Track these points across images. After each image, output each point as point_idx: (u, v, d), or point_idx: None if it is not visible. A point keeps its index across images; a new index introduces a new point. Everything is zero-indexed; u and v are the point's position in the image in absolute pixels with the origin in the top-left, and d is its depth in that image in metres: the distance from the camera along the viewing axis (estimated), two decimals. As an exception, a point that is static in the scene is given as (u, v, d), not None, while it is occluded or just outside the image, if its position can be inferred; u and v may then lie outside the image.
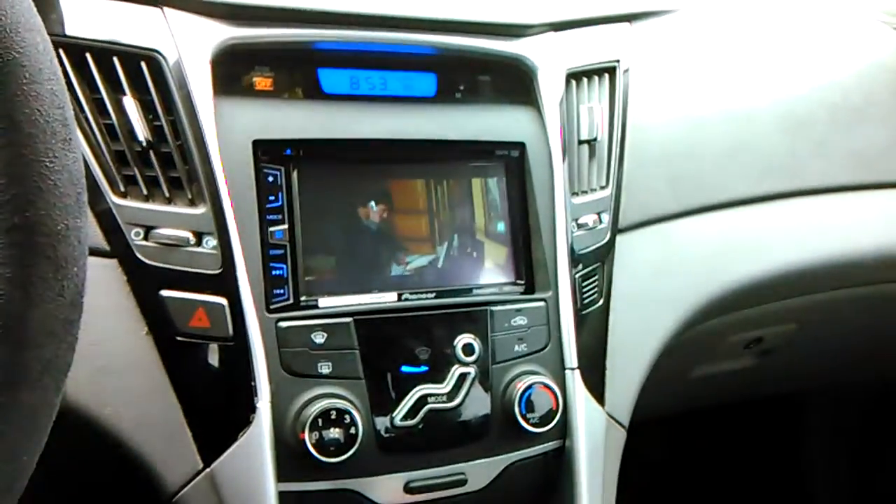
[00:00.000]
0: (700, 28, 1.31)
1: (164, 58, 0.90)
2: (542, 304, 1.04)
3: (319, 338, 0.92)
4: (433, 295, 1.01)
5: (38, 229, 0.50)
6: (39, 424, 0.53)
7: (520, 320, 1.02)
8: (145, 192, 0.88)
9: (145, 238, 0.87)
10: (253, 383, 0.89)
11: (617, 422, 1.09)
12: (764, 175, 1.26)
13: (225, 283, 0.89)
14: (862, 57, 1.37)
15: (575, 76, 1.12)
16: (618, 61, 1.16)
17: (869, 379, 1.84)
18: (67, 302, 0.52)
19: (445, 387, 0.96)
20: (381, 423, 0.94)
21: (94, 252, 0.86)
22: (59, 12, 0.88)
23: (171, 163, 0.90)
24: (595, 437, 1.04)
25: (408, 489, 0.95)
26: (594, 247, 1.09)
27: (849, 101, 1.33)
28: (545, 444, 1.02)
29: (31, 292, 0.49)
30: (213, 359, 0.89)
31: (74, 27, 0.88)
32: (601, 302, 1.09)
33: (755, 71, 1.30)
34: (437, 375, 0.97)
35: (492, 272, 1.05)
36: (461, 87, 1.08)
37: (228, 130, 0.92)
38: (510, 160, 1.07)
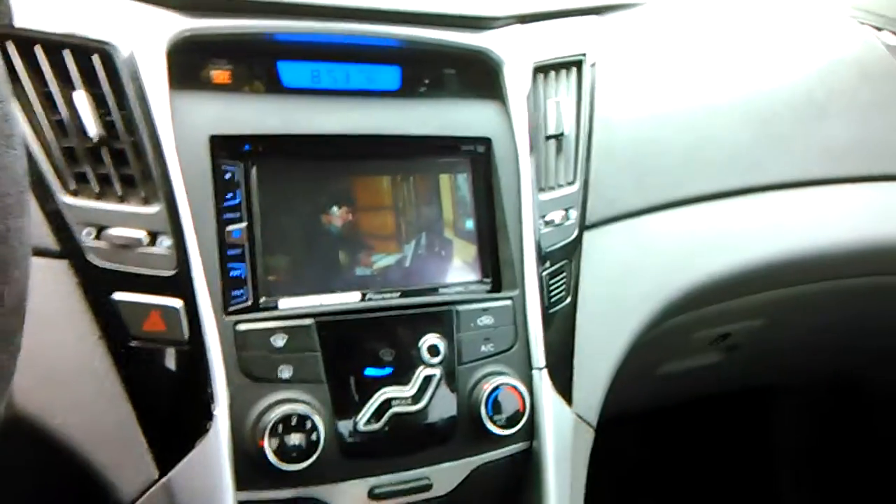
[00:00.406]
0: (667, 22, 1.30)
1: (116, 50, 0.86)
2: (508, 302, 1.02)
3: (280, 340, 0.90)
4: (397, 295, 0.98)
5: None
6: None
7: (486, 320, 1.00)
8: (97, 190, 0.85)
9: (97, 238, 0.84)
10: (210, 389, 0.86)
11: (585, 421, 1.07)
12: (729, 170, 1.25)
13: (180, 284, 0.86)
14: (827, 51, 1.37)
15: (542, 69, 1.10)
16: (585, 55, 1.14)
17: (837, 371, 1.85)
18: (8, 309, 0.49)
19: (410, 389, 0.94)
20: (344, 427, 0.91)
21: (43, 253, 0.83)
22: (7, 4, 0.84)
23: (124, 160, 0.86)
24: (563, 437, 1.03)
25: (372, 495, 0.93)
26: (561, 244, 1.07)
27: (813, 96, 1.33)
28: (512, 446, 1.01)
29: None
30: (169, 364, 0.86)
31: (23, 19, 0.84)
32: (568, 300, 1.07)
33: (720, 66, 1.29)
34: (401, 377, 0.95)
35: (459, 271, 1.03)
36: (426, 81, 1.06)
37: (184, 125, 0.89)
38: (476, 156, 1.05)
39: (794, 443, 2.06)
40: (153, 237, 0.85)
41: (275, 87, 0.98)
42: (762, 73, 1.31)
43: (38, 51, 0.84)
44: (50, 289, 0.82)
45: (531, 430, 1.01)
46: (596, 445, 1.09)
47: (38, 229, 0.82)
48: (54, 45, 0.85)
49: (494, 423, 0.96)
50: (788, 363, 1.70)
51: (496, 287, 1.04)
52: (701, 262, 1.20)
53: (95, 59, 0.86)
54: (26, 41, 0.84)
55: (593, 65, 1.15)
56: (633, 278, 1.14)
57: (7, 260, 0.49)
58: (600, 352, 1.10)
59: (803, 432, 2.05)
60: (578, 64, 1.14)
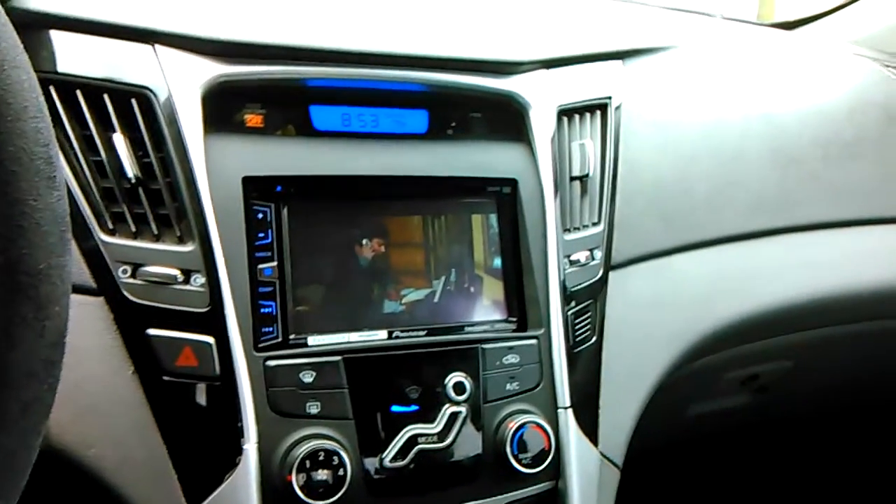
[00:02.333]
0: (691, 65, 1.31)
1: (154, 95, 0.90)
2: (534, 341, 1.03)
3: (308, 377, 0.91)
4: (424, 332, 1.00)
5: (19, 268, 0.49)
6: (18, 468, 0.52)
7: (512, 358, 1.01)
8: (133, 229, 0.88)
9: (133, 276, 0.86)
10: (240, 424, 0.87)
11: (611, 461, 1.07)
12: (756, 211, 1.26)
13: (213, 321, 0.88)
14: (853, 94, 1.38)
15: (566, 113, 1.12)
16: (609, 98, 1.16)
17: (864, 411, 1.82)
18: (49, 342, 0.51)
19: (436, 426, 0.95)
20: (371, 464, 0.92)
21: (81, 290, 0.85)
22: (51, 49, 0.88)
23: (159, 200, 0.89)
24: (588, 477, 1.03)
25: None
26: (587, 283, 1.08)
27: (840, 138, 1.34)
28: (538, 486, 1.01)
29: (12, 332, 0.49)
30: (200, 399, 0.87)
31: (65, 64, 0.88)
32: (594, 339, 1.08)
33: (746, 107, 1.30)
34: (427, 415, 0.95)
35: (485, 308, 1.04)
36: (453, 124, 1.08)
37: (218, 167, 0.92)
38: (502, 196, 1.07)
39: (823, 479, 2.02)
40: (187, 275, 0.88)
41: (306, 130, 1.00)
42: (789, 113, 1.32)
43: (79, 95, 0.88)
44: (86, 324, 0.85)
45: (557, 470, 1.01)
46: (622, 481, 1.09)
47: (76, 267, 0.84)
48: (94, 90, 0.88)
49: (520, 461, 0.97)
50: (819, 404, 1.68)
51: (522, 326, 1.05)
52: (727, 303, 1.20)
53: (134, 103, 0.89)
54: (68, 85, 0.88)
55: (618, 107, 1.17)
56: (658, 318, 1.15)
57: (49, 296, 0.51)
58: (626, 392, 1.10)
59: (831, 469, 2.02)
60: (603, 107, 1.16)
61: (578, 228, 1.10)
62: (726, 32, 1.47)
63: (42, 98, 0.52)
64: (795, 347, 1.37)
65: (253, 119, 0.98)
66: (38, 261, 0.50)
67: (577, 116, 1.13)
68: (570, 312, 1.05)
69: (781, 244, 1.27)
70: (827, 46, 1.50)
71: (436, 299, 1.02)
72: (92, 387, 0.84)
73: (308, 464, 0.87)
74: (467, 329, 1.02)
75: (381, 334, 0.98)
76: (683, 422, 1.45)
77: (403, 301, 1.00)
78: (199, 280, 0.88)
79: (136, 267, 0.87)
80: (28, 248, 0.49)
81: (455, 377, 0.97)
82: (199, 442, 0.88)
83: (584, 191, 1.11)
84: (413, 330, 0.99)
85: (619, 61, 1.22)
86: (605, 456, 1.06)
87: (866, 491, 1.98)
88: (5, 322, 0.48)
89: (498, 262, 1.06)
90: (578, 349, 1.06)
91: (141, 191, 0.88)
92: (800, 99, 1.35)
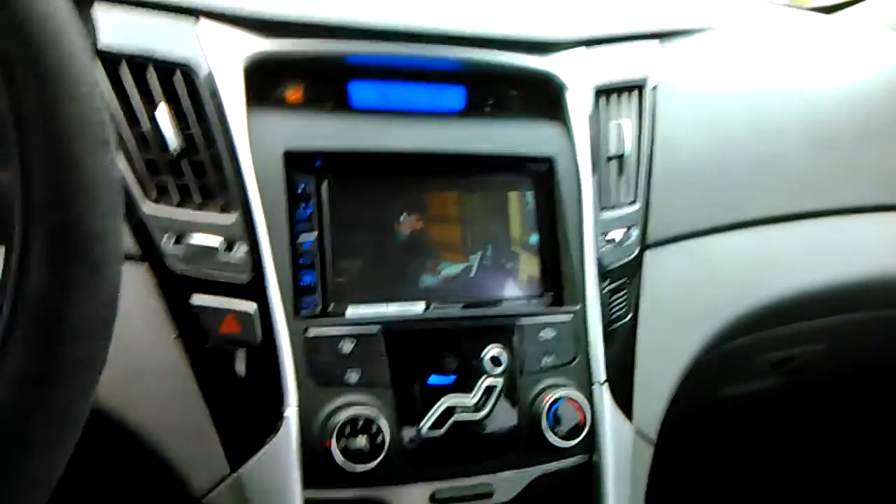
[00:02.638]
0: (729, 47, 1.31)
1: (197, 69, 0.91)
2: (570, 317, 1.03)
3: (347, 346, 0.93)
4: (461, 306, 1.01)
5: (76, 230, 0.50)
6: (73, 422, 0.54)
7: (548, 333, 1.02)
8: (177, 199, 0.89)
9: (176, 244, 0.88)
10: (281, 390, 0.89)
11: (645, 437, 1.08)
12: (794, 193, 1.25)
13: (255, 290, 0.89)
14: (891, 76, 1.37)
15: (604, 92, 1.12)
16: (647, 78, 1.16)
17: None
18: (103, 301, 0.53)
19: (473, 398, 0.96)
20: (408, 432, 0.93)
21: (126, 257, 0.86)
22: (94, 23, 0.89)
23: (202, 171, 0.91)
24: (623, 451, 1.03)
25: (434, 500, 0.95)
26: (623, 261, 1.08)
27: (879, 120, 1.33)
28: (572, 459, 1.02)
29: (68, 293, 0.50)
30: (242, 365, 0.89)
31: (109, 38, 0.89)
32: (629, 317, 1.08)
33: (784, 89, 1.29)
34: (464, 386, 0.96)
35: (521, 284, 1.05)
36: (490, 102, 1.09)
37: (260, 141, 0.93)
38: (539, 174, 1.07)
39: (851, 470, 2.00)
40: (230, 244, 0.89)
41: (345, 106, 1.01)
42: (827, 95, 1.31)
43: (123, 68, 0.89)
44: (131, 290, 0.86)
45: (591, 444, 1.02)
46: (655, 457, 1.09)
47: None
48: (138, 64, 0.90)
49: (555, 434, 0.97)
50: (850, 389, 1.67)
51: (557, 302, 1.06)
52: (763, 284, 1.20)
53: (177, 77, 0.91)
54: (111, 59, 0.89)
55: (655, 87, 1.17)
56: (693, 298, 1.15)
57: (103, 258, 0.52)
58: (661, 369, 1.10)
59: (859, 458, 2.00)
60: (640, 87, 1.16)
61: (615, 207, 1.10)
62: (764, 14, 1.46)
63: (94, 65, 0.54)
64: (829, 331, 1.36)
65: (293, 94, 1.00)
66: (94, 222, 0.51)
67: (614, 96, 1.13)
68: (605, 290, 1.05)
69: (818, 227, 1.26)
70: (865, 29, 1.49)
71: (472, 274, 1.03)
72: (137, 351, 0.86)
73: (347, 430, 0.88)
74: (504, 303, 1.03)
75: (419, 306, 0.99)
76: (715, 403, 1.44)
77: (440, 275, 1.01)
78: (241, 249, 0.89)
79: (179, 236, 0.88)
80: (84, 210, 0.51)
81: (492, 350, 0.98)
82: (241, 407, 0.89)
83: (620, 170, 1.11)
84: (450, 303, 1.00)
85: (657, 41, 1.22)
86: (639, 431, 1.07)
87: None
88: (63, 282, 0.50)
89: (534, 238, 1.06)
90: (614, 326, 1.06)
91: (184, 162, 0.90)
92: (838, 81, 1.34)
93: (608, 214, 1.09)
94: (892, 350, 1.50)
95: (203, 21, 0.94)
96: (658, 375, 1.10)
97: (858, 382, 1.63)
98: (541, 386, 1.00)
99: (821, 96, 1.31)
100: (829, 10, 1.68)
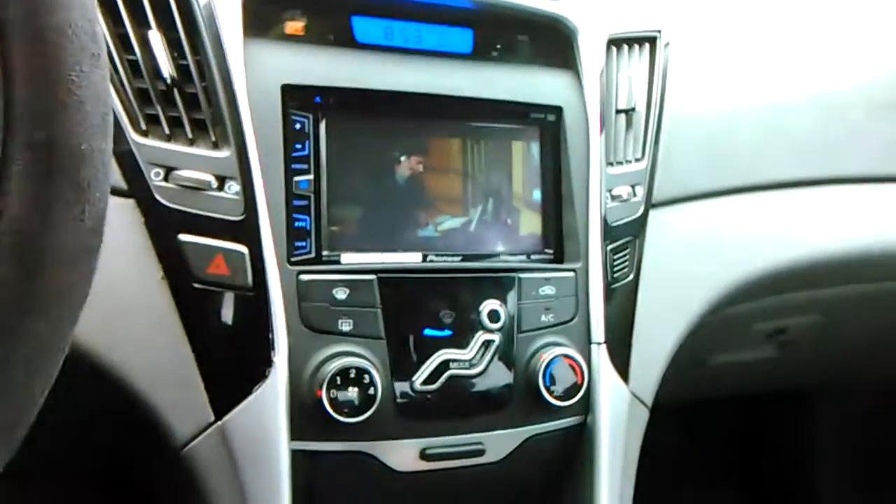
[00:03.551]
0: (743, 9, 1.28)
1: None
2: (571, 274, 1.00)
3: (341, 294, 0.89)
4: (459, 258, 0.97)
5: (61, 147, 0.46)
6: (50, 357, 0.49)
7: (548, 290, 0.98)
8: (167, 131, 0.84)
9: (165, 179, 0.83)
10: (270, 336, 0.85)
11: (640, 400, 1.06)
12: (800, 160, 1.23)
13: (246, 230, 0.85)
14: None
15: (616, 42, 1.08)
16: (659, 31, 1.12)
17: (890, 375, 1.81)
18: (88, 228, 0.49)
19: (468, 353, 0.93)
20: (401, 386, 0.90)
21: (112, 191, 0.82)
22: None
23: (195, 103, 0.86)
24: (618, 414, 1.01)
25: (424, 456, 0.92)
26: (627, 219, 1.05)
27: (887, 91, 1.30)
28: (567, 419, 0.99)
29: (50, 215, 0.46)
30: (230, 309, 0.85)
31: (101, -41, 0.84)
32: (631, 276, 1.05)
33: (798, 55, 1.27)
34: (460, 341, 0.93)
35: (522, 240, 1.02)
36: (498, 46, 1.04)
37: (257, 73, 0.88)
38: (546, 124, 1.03)
39: (838, 443, 2.02)
40: (221, 181, 0.85)
41: (348, 41, 0.96)
42: (840, 65, 1.29)
43: None
44: (116, 226, 0.80)
45: (587, 405, 1.00)
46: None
47: (109, 166, 0.82)
48: None
49: (550, 393, 0.95)
50: (841, 363, 1.66)
51: (559, 258, 1.03)
52: (766, 250, 1.18)
53: (172, 1, 0.86)
54: None
55: (667, 44, 1.13)
56: (696, 261, 1.13)
57: (90, 180, 0.48)
58: (660, 332, 1.08)
59: (848, 432, 2.01)
60: (653, 40, 1.12)
61: (621, 163, 1.07)
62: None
63: None
64: (827, 302, 1.35)
65: (294, 27, 0.95)
66: (80, 141, 0.47)
67: (625, 47, 1.10)
68: (609, 248, 1.02)
69: (823, 195, 1.24)
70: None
71: (471, 228, 0.99)
72: (120, 289, 0.81)
73: (338, 380, 0.85)
74: (504, 258, 1.00)
75: (416, 257, 0.95)
76: (706, 370, 1.43)
77: (439, 228, 0.98)
78: (233, 187, 0.85)
79: (168, 170, 0.83)
80: (70, 126, 0.46)
81: (490, 305, 0.95)
82: (228, 352, 0.86)
83: (628, 125, 1.08)
84: (448, 255, 0.97)
85: (673, -6, 1.19)
86: (635, 394, 1.05)
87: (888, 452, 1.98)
88: (44, 204, 0.46)
89: (537, 194, 1.03)
90: (615, 285, 1.03)
91: (176, 93, 0.85)
92: (849, 49, 1.31)
93: (614, 170, 1.05)
94: (889, 325, 1.49)
95: None
96: (656, 339, 1.08)
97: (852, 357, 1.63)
98: (538, 344, 0.97)
99: (832, 66, 1.28)
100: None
